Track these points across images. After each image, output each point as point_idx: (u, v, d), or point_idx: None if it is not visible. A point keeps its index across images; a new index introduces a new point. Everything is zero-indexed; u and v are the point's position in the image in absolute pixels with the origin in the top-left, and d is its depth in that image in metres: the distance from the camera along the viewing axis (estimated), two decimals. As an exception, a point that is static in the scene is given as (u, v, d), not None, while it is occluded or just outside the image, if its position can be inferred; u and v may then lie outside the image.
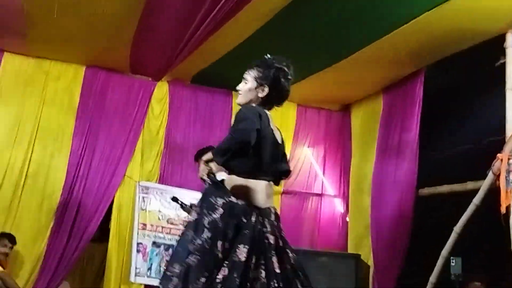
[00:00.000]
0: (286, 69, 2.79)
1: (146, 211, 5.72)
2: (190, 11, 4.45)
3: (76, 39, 5.32)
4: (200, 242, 2.44)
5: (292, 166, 6.51)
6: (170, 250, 5.72)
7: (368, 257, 5.83)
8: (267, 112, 2.77)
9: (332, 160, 6.84)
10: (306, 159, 6.74)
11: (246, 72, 2.81)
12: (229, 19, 4.54)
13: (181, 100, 6.29)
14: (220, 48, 5.39)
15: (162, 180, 6.02)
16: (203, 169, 2.66)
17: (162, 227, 5.78)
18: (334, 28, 4.86)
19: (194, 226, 2.52)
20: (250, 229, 2.48)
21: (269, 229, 2.55)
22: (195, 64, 5.81)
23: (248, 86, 2.78)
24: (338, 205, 6.72)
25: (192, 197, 5.87)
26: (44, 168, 5.59)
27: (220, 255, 2.42)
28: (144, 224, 5.68)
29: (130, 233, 5.69)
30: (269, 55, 2.82)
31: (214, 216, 2.48)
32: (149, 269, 5.64)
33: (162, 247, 5.73)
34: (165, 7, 4.57)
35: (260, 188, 2.61)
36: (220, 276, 2.39)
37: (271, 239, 2.54)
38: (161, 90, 6.20)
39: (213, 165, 2.67)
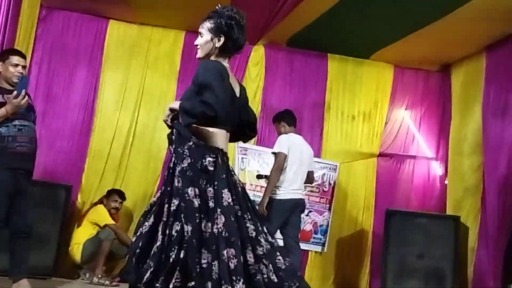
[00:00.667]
0: (237, 16, 2.81)
1: (245, 171, 5.92)
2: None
3: (176, 4, 5.49)
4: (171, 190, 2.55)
5: (388, 128, 6.54)
6: (269, 209, 5.91)
7: (467, 220, 5.72)
8: (227, 65, 2.81)
9: (430, 122, 6.70)
10: (403, 121, 6.66)
11: (200, 26, 2.85)
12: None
13: (277, 63, 6.38)
14: (315, 10, 5.38)
15: (259, 141, 6.18)
16: (168, 114, 2.72)
17: (261, 187, 5.95)
18: None
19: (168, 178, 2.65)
20: (222, 172, 2.59)
21: (231, 169, 2.72)
22: (290, 26, 5.84)
23: (204, 39, 2.83)
24: (436, 168, 6.59)
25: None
26: (150, 130, 5.93)
27: (192, 200, 2.50)
28: (244, 184, 5.85)
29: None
30: (219, 5, 2.83)
31: (183, 165, 2.56)
32: (248, 226, 5.86)
33: (261, 205, 5.92)
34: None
35: (220, 134, 2.71)
36: (220, 225, 2.48)
37: (236, 178, 2.71)
38: (258, 54, 6.32)
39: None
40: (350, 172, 6.46)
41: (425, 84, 6.71)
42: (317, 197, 6.18)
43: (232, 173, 2.73)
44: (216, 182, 2.56)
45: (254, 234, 2.58)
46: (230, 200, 2.56)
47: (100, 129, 5.83)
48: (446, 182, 6.37)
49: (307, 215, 6.08)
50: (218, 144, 2.70)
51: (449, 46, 5.95)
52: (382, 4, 5.13)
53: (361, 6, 5.19)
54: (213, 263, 2.43)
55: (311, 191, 6.14)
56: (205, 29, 2.82)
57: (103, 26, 5.93)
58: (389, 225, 5.68)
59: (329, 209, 6.20)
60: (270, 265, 2.54)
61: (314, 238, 6.12)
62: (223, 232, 2.47)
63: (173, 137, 2.67)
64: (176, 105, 2.68)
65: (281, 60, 6.39)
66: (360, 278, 6.32)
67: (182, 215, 2.49)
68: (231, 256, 2.44)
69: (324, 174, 6.21)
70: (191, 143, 2.60)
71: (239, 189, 2.68)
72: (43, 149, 5.02)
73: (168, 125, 2.72)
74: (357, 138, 6.51)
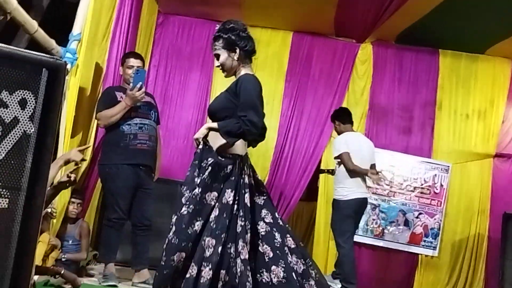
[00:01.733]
0: (236, 26, 3.08)
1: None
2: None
3: (285, 5, 5.66)
4: (192, 196, 2.86)
5: (505, 128, 6.27)
6: (377, 210, 5.91)
7: None
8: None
9: (552, 121, 6.29)
10: (522, 119, 6.34)
11: (213, 49, 3.12)
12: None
13: (385, 61, 6.34)
14: (425, 4, 5.29)
15: (368, 141, 6.16)
16: (202, 133, 2.98)
17: (368, 187, 5.86)
18: None
19: (189, 185, 2.95)
20: (235, 175, 2.91)
21: (246, 171, 2.97)
22: (399, 23, 5.79)
23: (223, 58, 3.08)
24: (560, 169, 6.17)
25: (395, 158, 5.99)
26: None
27: (210, 203, 2.87)
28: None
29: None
30: (217, 25, 3.16)
31: (204, 176, 2.87)
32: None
33: (368, 206, 5.79)
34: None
35: (241, 141, 3.00)
36: (212, 216, 2.83)
37: (246, 179, 2.94)
38: (365, 52, 6.33)
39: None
40: (464, 174, 6.26)
41: (547, 79, 6.33)
42: (428, 199, 6.07)
43: (248, 174, 3.00)
44: (225, 183, 2.90)
45: (240, 230, 2.83)
46: (230, 199, 2.86)
47: (213, 128, 6.13)
48: None
49: (417, 217, 6.00)
50: (238, 151, 2.99)
51: None
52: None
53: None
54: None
55: (422, 193, 6.06)
56: (219, 49, 3.09)
57: (215, 29, 6.18)
58: (506, 230, 5.48)
59: (441, 211, 6.05)
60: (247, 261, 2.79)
61: (424, 241, 6.05)
62: (212, 223, 2.82)
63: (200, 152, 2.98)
64: (214, 125, 2.98)
65: (389, 57, 6.34)
66: (474, 285, 6.10)
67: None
68: (210, 245, 2.76)
69: (436, 175, 6.09)
70: (214, 159, 2.92)
71: (247, 189, 2.94)
72: (161, 149, 5.38)
73: (198, 143, 2.99)
74: (471, 138, 6.29)
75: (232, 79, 3.16)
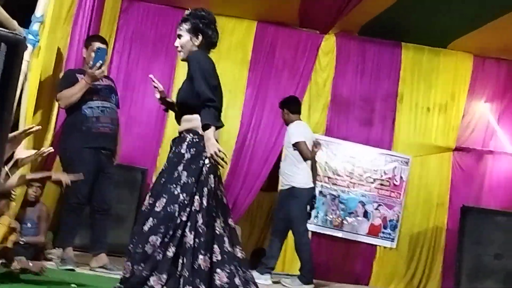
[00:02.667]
0: (207, 15, 3.26)
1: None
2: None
3: (250, -6, 5.92)
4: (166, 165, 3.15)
5: (466, 122, 6.62)
6: (337, 201, 6.25)
7: (550, 220, 5.74)
8: None
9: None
10: (482, 114, 6.73)
11: (177, 29, 3.26)
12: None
13: (348, 52, 6.65)
14: (390, -5, 5.54)
15: (328, 132, 6.53)
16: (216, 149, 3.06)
17: (328, 178, 6.34)
18: None
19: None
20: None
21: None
22: (363, 15, 6.08)
23: (184, 40, 3.23)
24: (518, 164, 6.62)
25: (356, 150, 6.32)
26: (222, 117, 6.36)
27: (178, 174, 3.05)
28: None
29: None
30: (189, 9, 3.29)
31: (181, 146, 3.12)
32: (316, 217, 6.26)
33: (328, 196, 6.32)
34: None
35: None
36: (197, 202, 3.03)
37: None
38: (329, 43, 6.62)
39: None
40: (424, 166, 6.61)
41: (507, 75, 6.72)
42: (388, 191, 6.45)
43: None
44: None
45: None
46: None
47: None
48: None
49: (376, 209, 6.35)
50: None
51: (536, 33, 5.86)
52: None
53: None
54: None
55: (382, 185, 6.42)
56: (183, 30, 3.25)
57: (180, 16, 6.27)
58: (464, 223, 5.77)
59: (400, 203, 6.44)
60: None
61: (383, 233, 6.41)
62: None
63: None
64: (211, 137, 3.04)
65: (353, 49, 6.65)
66: (431, 277, 6.46)
67: None
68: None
69: (395, 167, 6.46)
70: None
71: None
72: (122, 134, 5.61)
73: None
74: (432, 131, 6.64)
75: None
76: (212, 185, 3.07)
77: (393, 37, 6.60)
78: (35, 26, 4.13)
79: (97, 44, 4.47)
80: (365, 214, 6.39)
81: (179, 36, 3.27)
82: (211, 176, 3.07)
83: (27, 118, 4.20)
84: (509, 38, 6.09)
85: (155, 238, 2.97)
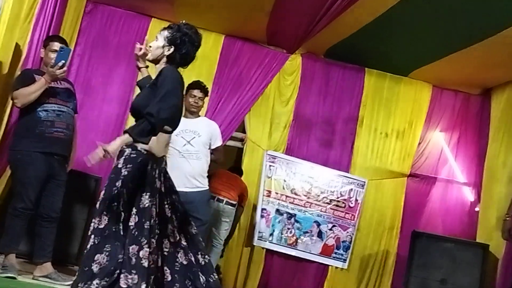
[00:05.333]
0: (193, 35, 3.22)
1: (271, 179, 6.11)
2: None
3: (219, 6, 5.69)
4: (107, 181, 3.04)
5: (421, 149, 6.60)
6: (292, 219, 6.07)
7: (497, 250, 5.69)
8: None
9: (465, 147, 6.71)
10: (437, 143, 6.70)
11: (159, 32, 3.27)
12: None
13: (313, 73, 6.52)
14: (356, 22, 5.47)
15: (288, 151, 6.36)
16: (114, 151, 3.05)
17: (286, 196, 6.15)
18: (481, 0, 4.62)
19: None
20: (150, 175, 3.02)
21: (156, 175, 3.08)
22: (329, 38, 5.98)
23: (157, 44, 3.24)
24: (468, 193, 6.61)
25: (314, 170, 6.17)
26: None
27: (118, 190, 2.97)
28: (269, 191, 6.09)
29: (255, 198, 6.10)
30: (183, 21, 3.26)
31: (118, 160, 3.06)
32: (271, 234, 6.08)
33: (284, 215, 6.13)
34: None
35: (161, 139, 3.12)
36: (132, 222, 2.90)
37: (157, 184, 3.08)
38: (294, 63, 6.49)
39: None
40: (378, 190, 6.53)
41: (463, 106, 6.72)
42: (343, 212, 6.31)
43: (160, 179, 3.14)
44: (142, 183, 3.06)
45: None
46: (147, 203, 2.99)
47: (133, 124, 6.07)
48: (477, 209, 6.38)
49: (330, 229, 6.21)
50: (153, 150, 3.12)
51: (492, 69, 5.93)
52: (424, 22, 5.18)
53: (402, 22, 5.27)
54: None
55: (337, 206, 6.29)
56: (162, 36, 3.25)
57: (145, 24, 6.20)
58: (414, 247, 5.71)
59: (354, 225, 6.31)
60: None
61: (336, 253, 6.26)
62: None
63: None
64: (120, 140, 3.03)
65: (317, 70, 6.54)
66: (380, 299, 6.36)
67: None
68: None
69: (352, 189, 6.33)
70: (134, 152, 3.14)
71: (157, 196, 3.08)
72: (77, 140, 5.28)
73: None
74: (388, 156, 6.57)
75: None
76: (146, 203, 2.92)
77: (357, 62, 6.54)
78: (-11, 22, 3.79)
79: (56, 44, 4.17)
80: (319, 234, 6.22)
81: (156, 37, 3.27)
82: (145, 194, 2.94)
83: (-24, 118, 3.86)
84: (466, 71, 6.13)
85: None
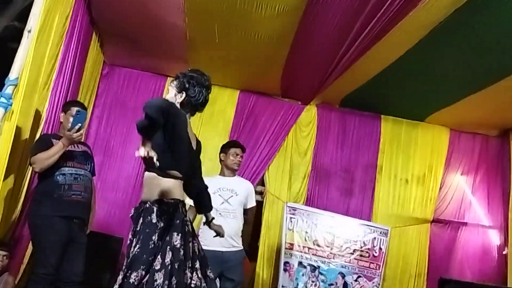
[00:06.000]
0: (199, 77, 3.24)
1: (293, 231, 5.92)
2: (343, 30, 4.58)
3: (232, 62, 5.70)
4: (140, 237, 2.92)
5: (443, 194, 6.41)
6: (316, 272, 5.85)
7: (529, 294, 5.43)
8: (187, 117, 3.23)
9: (488, 189, 6.56)
10: (458, 186, 6.54)
11: (169, 85, 3.28)
12: (381, 37, 4.57)
13: (329, 123, 6.48)
14: (369, 71, 5.44)
15: (308, 202, 6.22)
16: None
17: (309, 248, 5.93)
18: (494, 43, 4.50)
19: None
20: (180, 218, 2.96)
21: (187, 218, 3.06)
22: (343, 87, 5.94)
23: (170, 95, 3.24)
24: (494, 236, 6.38)
25: (336, 220, 6.01)
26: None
27: (155, 244, 2.89)
28: (291, 244, 5.89)
29: (277, 252, 5.89)
30: (188, 69, 3.27)
31: (150, 217, 2.96)
32: (295, 288, 5.81)
33: (308, 267, 5.89)
34: (317, 29, 4.71)
35: (178, 185, 3.07)
36: (158, 262, 2.83)
37: (190, 226, 3.07)
38: (310, 114, 6.45)
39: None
40: (402, 237, 6.32)
41: (482, 148, 6.61)
42: (367, 262, 6.07)
43: (186, 218, 3.07)
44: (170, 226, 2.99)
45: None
46: (177, 243, 2.93)
47: (153, 183, 6.00)
48: (505, 252, 6.13)
49: (355, 280, 5.97)
50: (180, 195, 3.10)
51: (509, 110, 5.81)
52: (436, 67, 5.13)
53: (415, 68, 5.21)
54: None
55: (361, 256, 6.05)
56: (172, 86, 3.26)
57: (161, 83, 6.23)
58: (442, 295, 5.46)
59: (379, 275, 6.05)
60: None
61: (363, 305, 5.98)
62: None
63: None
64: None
65: (333, 120, 6.48)
66: None
67: None
68: None
69: (375, 238, 6.11)
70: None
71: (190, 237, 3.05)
72: (98, 201, 5.20)
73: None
74: (410, 203, 6.41)
75: None
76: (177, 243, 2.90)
77: (373, 109, 6.47)
78: (8, 89, 3.75)
79: (76, 109, 4.13)
80: (345, 286, 5.95)
81: (167, 90, 3.31)
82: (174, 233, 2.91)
83: (-3, 184, 3.79)
84: (483, 113, 6.02)
85: None
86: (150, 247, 2.88)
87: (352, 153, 6.43)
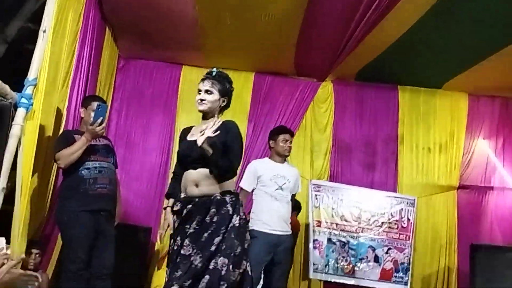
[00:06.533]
0: (230, 81, 3.33)
1: (319, 208, 5.86)
2: (352, 5, 4.51)
3: (245, 47, 5.66)
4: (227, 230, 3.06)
5: (466, 159, 6.31)
6: (346, 247, 5.80)
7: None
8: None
9: (511, 151, 6.37)
10: (481, 151, 6.42)
11: (209, 84, 3.21)
12: (390, 9, 4.51)
13: (346, 98, 6.39)
14: (382, 42, 5.35)
15: (332, 178, 6.17)
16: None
17: (336, 224, 5.88)
18: (510, 3, 4.41)
19: None
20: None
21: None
22: (357, 61, 5.84)
23: (214, 98, 3.22)
24: (522, 198, 6.24)
25: (361, 194, 5.94)
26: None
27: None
28: (319, 221, 5.83)
29: (305, 231, 5.85)
30: (215, 69, 3.29)
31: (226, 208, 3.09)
32: (326, 265, 5.78)
33: (337, 243, 5.83)
34: (326, 4, 4.65)
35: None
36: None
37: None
38: (326, 90, 6.37)
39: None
40: (429, 206, 6.23)
41: (502, 111, 6.48)
42: (396, 233, 5.99)
43: None
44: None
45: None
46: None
47: (177, 172, 5.98)
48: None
49: (386, 252, 5.90)
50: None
51: (528, 70, 5.63)
52: (450, 33, 5.02)
53: (429, 35, 5.10)
54: None
55: (390, 228, 5.98)
56: (215, 89, 3.22)
57: (177, 72, 6.21)
58: (474, 261, 5.38)
59: (410, 245, 5.98)
60: None
61: (395, 276, 5.91)
62: None
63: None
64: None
65: (350, 94, 6.39)
66: (448, 318, 5.96)
67: None
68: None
69: (402, 209, 6.03)
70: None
71: None
72: (123, 193, 5.21)
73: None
74: (434, 171, 6.31)
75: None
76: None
77: (389, 80, 6.35)
78: (28, 90, 3.74)
79: (97, 103, 4.11)
80: (376, 259, 5.89)
81: (209, 91, 3.21)
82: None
83: (23, 183, 3.79)
84: (501, 76, 5.88)
85: None
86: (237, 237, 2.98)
87: (371, 126, 6.34)
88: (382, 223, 5.95)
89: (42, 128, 4.03)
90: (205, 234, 2.97)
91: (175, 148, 6.01)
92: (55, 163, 4.20)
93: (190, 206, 3.08)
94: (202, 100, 3.22)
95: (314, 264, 5.74)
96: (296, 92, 6.25)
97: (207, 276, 2.87)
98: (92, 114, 3.99)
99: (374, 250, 5.90)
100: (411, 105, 6.40)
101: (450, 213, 6.24)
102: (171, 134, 6.04)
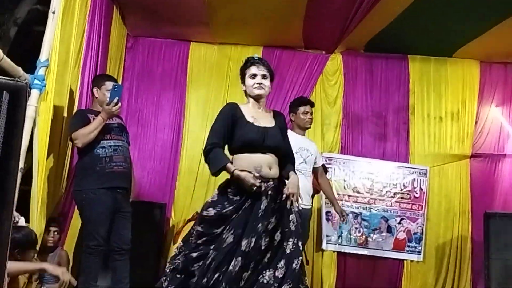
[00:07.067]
0: None
1: (331, 181, 5.90)
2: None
3: (253, 22, 5.68)
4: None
5: (479, 128, 6.34)
6: (359, 218, 5.89)
7: None
8: None
9: (524, 118, 6.39)
10: (494, 119, 6.41)
11: (265, 69, 3.44)
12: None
13: (356, 70, 6.38)
14: (391, 11, 5.32)
15: (343, 150, 6.21)
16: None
17: (349, 196, 5.98)
18: None
19: None
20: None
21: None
22: (366, 32, 5.83)
23: (269, 83, 3.46)
24: (536, 166, 6.25)
25: (373, 165, 6.00)
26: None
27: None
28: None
29: (319, 202, 5.94)
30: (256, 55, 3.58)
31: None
32: (340, 236, 5.90)
33: (350, 215, 5.92)
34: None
35: None
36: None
37: None
38: (335, 62, 6.37)
39: None
40: (442, 176, 6.27)
41: (515, 78, 6.40)
42: (409, 203, 6.08)
43: None
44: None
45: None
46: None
47: (189, 147, 6.08)
48: (547, 180, 6.04)
49: (399, 223, 5.99)
50: None
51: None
52: (459, -2, 4.99)
53: (438, 2, 5.08)
54: None
55: (402, 198, 6.07)
56: (268, 73, 3.45)
57: (185, 49, 6.26)
58: (488, 229, 5.44)
59: (423, 215, 6.06)
60: None
61: (408, 246, 6.03)
62: None
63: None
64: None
65: (359, 66, 6.38)
66: (461, 287, 6.06)
67: None
68: None
69: (414, 179, 6.10)
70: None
71: None
72: (137, 170, 5.34)
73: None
74: (447, 140, 6.32)
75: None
76: None
77: (399, 50, 6.33)
78: (40, 71, 3.85)
79: (111, 83, 4.20)
80: (389, 229, 6.00)
81: (265, 76, 3.43)
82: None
83: (39, 163, 3.93)
84: (512, 42, 5.81)
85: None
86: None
87: (382, 97, 6.34)
88: (395, 193, 6.04)
89: (56, 109, 4.15)
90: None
91: (186, 124, 6.14)
92: (70, 143, 4.32)
93: (270, 183, 3.23)
94: (260, 84, 3.38)
95: (327, 236, 5.86)
96: (305, 65, 6.27)
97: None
98: (107, 94, 4.10)
99: (387, 220, 6.00)
100: (422, 74, 6.38)
101: (463, 182, 6.26)
102: (181, 110, 6.14)
